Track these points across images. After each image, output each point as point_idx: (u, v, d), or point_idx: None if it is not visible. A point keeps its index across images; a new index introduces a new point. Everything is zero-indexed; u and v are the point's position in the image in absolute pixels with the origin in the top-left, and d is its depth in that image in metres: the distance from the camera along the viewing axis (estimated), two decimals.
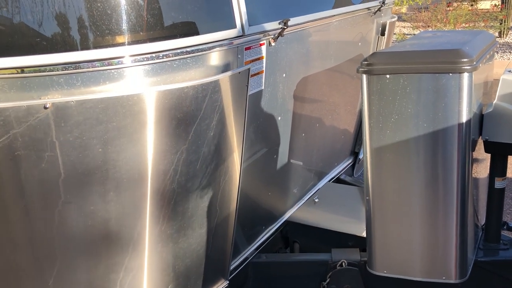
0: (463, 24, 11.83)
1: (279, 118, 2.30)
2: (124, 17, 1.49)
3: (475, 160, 2.17)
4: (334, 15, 2.45)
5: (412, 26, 12.79)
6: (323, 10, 2.35)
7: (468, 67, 1.85)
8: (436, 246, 2.09)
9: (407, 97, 1.94)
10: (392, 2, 3.15)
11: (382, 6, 2.92)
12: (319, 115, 2.72)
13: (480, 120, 2.16)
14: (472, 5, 15.91)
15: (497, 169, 2.22)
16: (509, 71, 2.15)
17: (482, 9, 15.08)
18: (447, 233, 2.07)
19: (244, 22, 1.77)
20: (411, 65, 1.92)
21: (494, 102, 2.12)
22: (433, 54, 1.94)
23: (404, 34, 12.62)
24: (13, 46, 1.45)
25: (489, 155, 2.24)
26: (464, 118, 1.91)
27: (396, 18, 3.31)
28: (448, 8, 13.24)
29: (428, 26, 12.09)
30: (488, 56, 2.12)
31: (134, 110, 1.51)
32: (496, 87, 2.17)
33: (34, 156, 1.48)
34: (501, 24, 11.60)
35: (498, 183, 2.23)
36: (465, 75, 1.86)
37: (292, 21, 2.04)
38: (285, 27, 1.97)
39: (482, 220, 2.43)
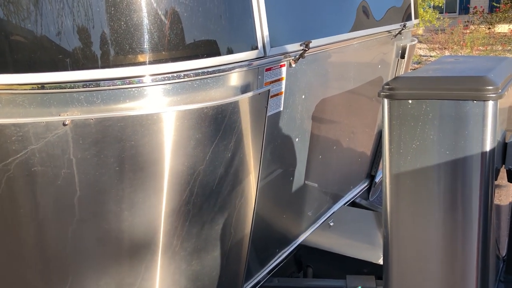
0: (480, 47, 11.77)
1: (297, 139, 2.26)
2: (147, 36, 1.48)
3: (497, 188, 2.11)
4: (355, 38, 2.42)
5: (428, 48, 12.77)
6: (344, 32, 2.33)
7: (493, 95, 1.81)
8: (455, 277, 2.02)
9: (429, 123, 1.90)
10: (412, 25, 3.12)
11: (403, 29, 2.89)
12: (336, 137, 2.68)
13: (504, 148, 2.11)
14: (489, 28, 15.87)
15: None
16: None
17: (500, 32, 15.02)
18: (468, 264, 2.00)
19: (266, 43, 1.76)
20: (434, 91, 1.88)
21: None
22: (457, 80, 1.90)
23: (420, 55, 12.58)
24: (35, 62, 1.45)
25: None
26: (487, 147, 1.86)
27: (416, 41, 3.28)
28: (465, 31, 13.21)
29: (445, 49, 12.06)
30: None
31: (153, 129, 1.49)
32: None
33: (51, 173, 1.47)
34: None
35: None
36: (490, 103, 1.82)
37: (313, 43, 2.02)
38: (307, 49, 1.95)
39: (503, 251, 2.35)
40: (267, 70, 1.85)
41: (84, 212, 1.53)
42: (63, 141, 1.43)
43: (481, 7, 18.39)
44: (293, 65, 2.00)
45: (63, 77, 1.41)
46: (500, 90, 1.84)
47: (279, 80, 1.96)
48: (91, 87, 1.43)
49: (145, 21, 1.47)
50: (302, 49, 1.96)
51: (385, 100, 1.94)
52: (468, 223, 1.96)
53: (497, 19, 17.07)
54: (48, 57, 1.44)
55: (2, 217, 1.56)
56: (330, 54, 2.32)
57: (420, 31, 18.00)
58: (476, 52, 11.56)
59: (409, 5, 3.07)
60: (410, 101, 1.90)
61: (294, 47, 1.94)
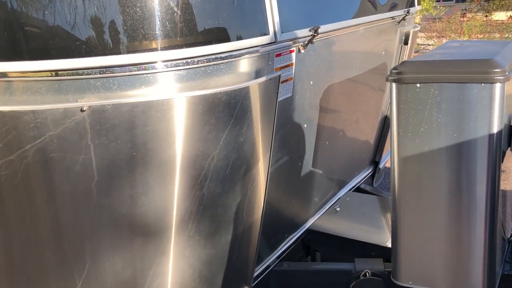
0: (478, 35, 11.78)
1: (305, 125, 2.29)
2: (159, 23, 1.50)
3: (503, 172, 2.14)
4: (361, 24, 2.44)
5: (426, 36, 12.78)
6: (350, 18, 2.35)
7: (501, 77, 1.84)
8: (463, 258, 2.06)
9: (437, 106, 1.93)
10: (416, 11, 3.14)
11: (407, 15, 2.91)
12: (342, 123, 2.70)
13: (509, 131, 2.14)
14: (486, 16, 15.86)
15: None
16: None
17: (497, 20, 15.02)
18: (475, 246, 2.03)
19: (276, 29, 1.78)
20: (442, 75, 1.90)
21: None
22: (464, 63, 1.92)
23: (418, 44, 12.58)
24: (49, 49, 1.46)
25: None
26: (495, 129, 1.89)
27: (418, 28, 3.30)
28: (462, 19, 13.21)
29: (443, 37, 12.07)
30: None
31: (168, 114, 1.51)
32: None
33: (69, 159, 1.49)
34: None
35: None
36: (498, 85, 1.84)
37: (322, 28, 2.03)
38: (316, 35, 1.97)
39: (508, 233, 2.39)
40: (277, 55, 1.87)
41: (101, 197, 1.56)
42: (81, 127, 1.45)
43: None
44: (302, 51, 2.02)
45: (77, 63, 1.43)
46: (507, 73, 1.86)
47: (289, 65, 1.98)
48: (107, 73, 1.45)
49: (158, 7, 1.49)
50: (311, 35, 1.98)
51: (393, 85, 1.97)
52: (476, 204, 1.99)
53: (494, 7, 17.06)
54: (62, 44, 1.45)
55: (21, 203, 1.58)
56: (337, 40, 2.34)
57: (418, 20, 17.97)
58: (475, 39, 11.57)
59: None
60: (418, 85, 1.93)
61: (303, 32, 1.96)
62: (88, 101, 1.45)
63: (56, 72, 1.44)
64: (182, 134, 1.55)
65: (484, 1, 17.85)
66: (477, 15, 14.57)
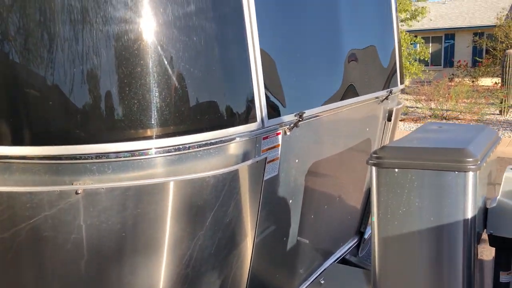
0: (465, 100, 12.18)
1: (291, 201, 2.38)
2: (155, 112, 1.61)
3: (480, 253, 2.22)
4: (345, 105, 2.60)
5: (414, 99, 13.19)
6: (335, 101, 2.50)
7: (473, 167, 1.96)
8: None
9: (414, 191, 2.03)
10: (399, 90, 3.32)
11: (389, 94, 3.08)
12: (328, 197, 2.80)
13: (485, 213, 2.24)
14: (473, 81, 16.48)
15: (502, 263, 2.26)
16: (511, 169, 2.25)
17: (483, 85, 15.60)
18: None
19: (264, 116, 1.91)
20: (418, 161, 2.03)
21: (497, 198, 2.20)
22: (440, 151, 2.05)
23: (407, 107, 12.97)
24: (51, 136, 1.57)
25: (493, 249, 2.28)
26: (469, 215, 1.99)
27: (402, 105, 3.48)
28: (450, 83, 13.70)
29: (431, 100, 12.45)
30: (491, 153, 2.23)
31: (158, 197, 1.60)
32: (499, 166, 2.26)
33: (61, 238, 1.55)
34: (501, 103, 11.95)
35: (503, 277, 2.26)
36: (470, 174, 1.96)
37: (307, 113, 2.17)
38: (301, 119, 2.10)
39: None
40: (264, 138, 1.99)
41: (90, 275, 1.61)
42: (75, 208, 1.53)
43: (464, 61, 19.15)
44: (288, 133, 2.14)
45: (76, 150, 1.53)
46: (479, 162, 1.99)
47: (275, 147, 2.10)
48: (103, 158, 1.55)
49: (153, 99, 1.61)
50: (297, 119, 2.11)
51: (373, 168, 2.08)
52: (453, 285, 2.05)
53: (479, 73, 17.75)
54: (63, 132, 1.56)
55: (11, 279, 1.63)
56: (322, 120, 2.48)
57: (407, 83, 18.60)
58: (461, 104, 11.96)
59: (395, 72, 3.28)
60: (396, 170, 2.04)
61: (289, 117, 2.09)
62: (83, 184, 1.54)
63: (55, 157, 1.54)
64: (170, 216, 1.63)
65: (470, 67, 18.60)
66: (464, 80, 15.13)
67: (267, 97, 1.93)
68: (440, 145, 2.15)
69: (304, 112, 2.13)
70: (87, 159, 1.55)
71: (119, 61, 1.54)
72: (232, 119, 1.79)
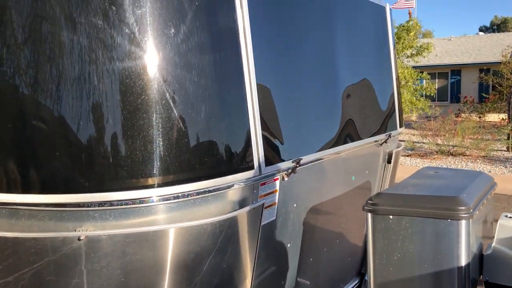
0: (471, 136, 12.20)
1: (289, 245, 2.42)
2: (157, 162, 1.69)
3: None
4: (344, 150, 2.67)
5: (421, 134, 13.24)
6: (334, 146, 2.58)
7: (465, 215, 2.00)
8: None
9: (409, 237, 2.08)
10: (398, 133, 3.39)
11: (388, 138, 3.15)
12: (327, 239, 2.83)
13: (480, 259, 2.26)
14: (480, 117, 16.52)
15: None
16: (506, 216, 2.29)
17: (490, 121, 15.63)
18: None
19: (261, 163, 1.98)
20: (413, 209, 2.08)
21: (492, 245, 2.23)
22: (433, 199, 2.10)
23: (414, 142, 13.01)
24: (56, 184, 1.65)
25: None
26: (463, 262, 2.02)
27: (402, 147, 3.54)
28: (457, 119, 13.75)
29: (437, 136, 12.47)
30: (485, 201, 2.28)
31: (157, 244, 1.66)
32: (497, 203, 2.28)
33: (62, 282, 1.62)
34: (508, 139, 11.94)
35: None
36: (463, 222, 2.01)
37: (304, 159, 2.24)
38: (298, 166, 2.17)
39: None
40: (262, 184, 2.06)
41: None
42: (77, 254, 1.59)
43: (471, 97, 19.26)
44: (286, 179, 2.21)
45: (82, 198, 1.61)
46: (471, 210, 2.03)
47: (273, 192, 2.16)
48: (106, 206, 1.63)
49: (155, 149, 1.70)
50: (294, 165, 2.18)
51: (369, 214, 2.14)
52: None
53: (486, 109, 17.81)
54: (69, 181, 1.65)
55: None
56: (320, 165, 2.55)
57: (414, 118, 18.68)
58: (468, 140, 11.97)
59: (394, 115, 3.36)
60: (391, 217, 2.09)
61: (286, 164, 2.16)
62: (86, 231, 1.61)
63: (61, 204, 1.62)
64: (168, 262, 1.69)
65: (477, 103, 18.68)
66: (470, 116, 15.19)
67: (264, 145, 2.00)
68: (434, 193, 2.20)
69: (302, 159, 2.20)
70: (90, 206, 1.62)
71: (123, 115, 1.63)
72: (230, 167, 1.87)
